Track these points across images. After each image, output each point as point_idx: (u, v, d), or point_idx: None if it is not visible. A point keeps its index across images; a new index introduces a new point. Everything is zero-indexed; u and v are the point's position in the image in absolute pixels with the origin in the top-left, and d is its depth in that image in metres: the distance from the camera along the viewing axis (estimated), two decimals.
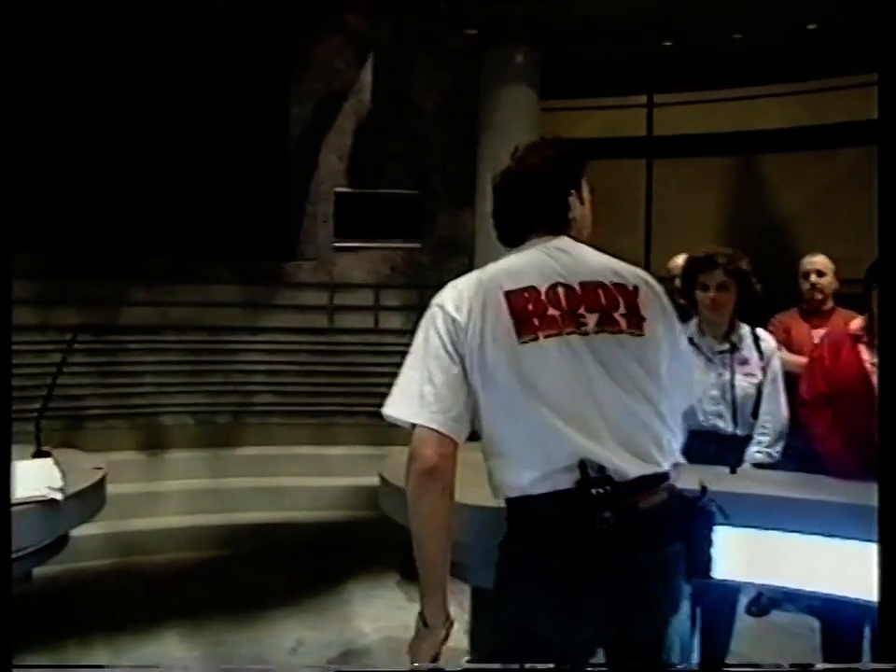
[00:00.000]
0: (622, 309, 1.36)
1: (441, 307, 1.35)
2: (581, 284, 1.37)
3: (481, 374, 1.30)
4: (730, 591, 2.52)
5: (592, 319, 1.34)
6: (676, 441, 1.40)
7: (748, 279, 2.45)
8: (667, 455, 1.35)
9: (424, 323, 1.37)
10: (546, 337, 1.31)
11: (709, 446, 2.44)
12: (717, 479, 2.16)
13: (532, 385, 1.29)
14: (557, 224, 1.46)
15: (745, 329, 2.53)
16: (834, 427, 2.35)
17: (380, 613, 3.37)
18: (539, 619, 1.29)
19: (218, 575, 3.77)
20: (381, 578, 3.73)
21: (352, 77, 4.99)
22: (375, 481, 2.21)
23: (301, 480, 4.53)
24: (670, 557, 1.33)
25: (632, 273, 1.44)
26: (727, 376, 2.39)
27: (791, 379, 2.58)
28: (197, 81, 4.70)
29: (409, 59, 4.99)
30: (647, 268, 5.42)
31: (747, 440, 2.45)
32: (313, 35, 4.88)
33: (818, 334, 2.97)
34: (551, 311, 1.33)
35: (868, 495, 2.07)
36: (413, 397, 1.30)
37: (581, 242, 1.47)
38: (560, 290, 1.36)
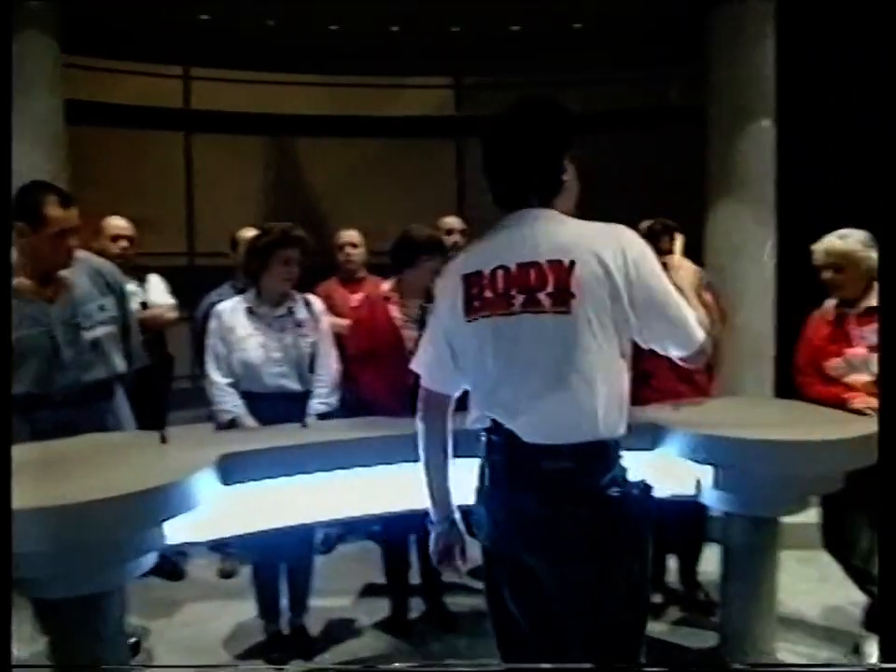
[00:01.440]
0: (549, 288, 1.41)
1: (440, 290, 1.59)
2: (518, 265, 1.45)
3: (453, 342, 1.55)
4: (306, 534, 2.78)
5: (519, 300, 1.44)
6: (608, 415, 1.44)
7: (309, 255, 2.72)
8: (588, 430, 1.42)
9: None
10: (483, 318, 1.48)
11: (278, 405, 2.64)
12: (293, 434, 2.35)
13: (471, 359, 1.52)
14: (550, 191, 1.49)
15: (297, 296, 2.78)
16: (377, 376, 2.77)
17: None
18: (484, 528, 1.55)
19: None
20: None
21: None
22: None
23: None
24: (564, 516, 1.42)
25: (581, 244, 1.42)
26: (287, 339, 2.62)
27: (336, 339, 2.91)
28: None
29: None
30: (190, 241, 5.37)
31: (308, 395, 2.71)
32: None
33: (354, 299, 3.40)
34: (487, 293, 1.47)
35: (408, 426, 2.50)
36: (421, 358, 1.63)
37: (568, 211, 1.51)
38: (499, 273, 1.46)
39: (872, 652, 2.68)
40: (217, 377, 2.66)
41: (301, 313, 2.74)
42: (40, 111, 4.29)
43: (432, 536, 1.66)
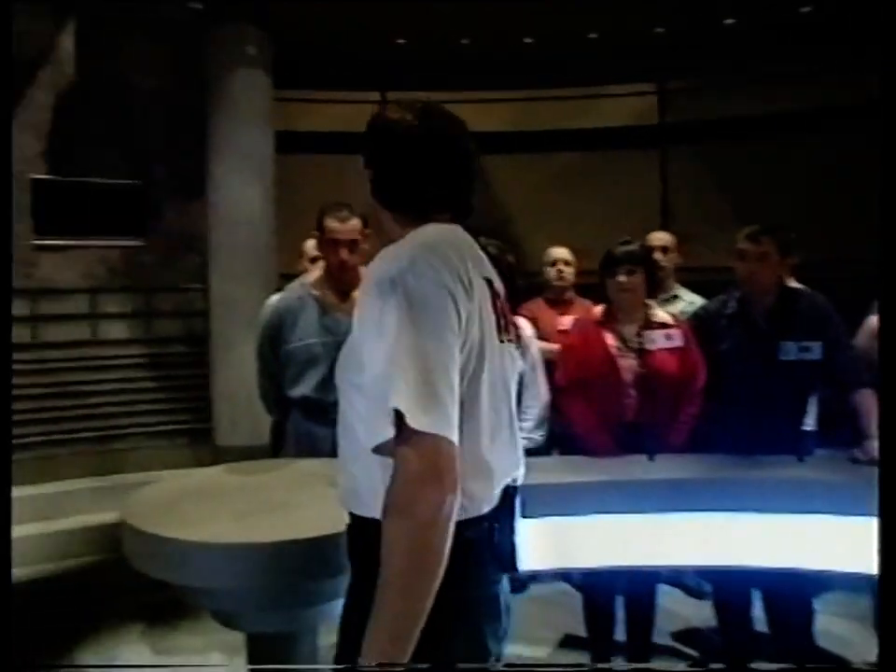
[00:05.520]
0: (511, 321, 1.29)
1: (440, 282, 1.07)
2: (499, 289, 1.26)
3: (475, 372, 1.12)
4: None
5: (511, 331, 1.28)
6: None
7: (513, 273, 2.50)
8: None
9: (418, 301, 1.05)
10: (500, 341, 1.21)
11: None
12: None
13: (496, 389, 1.17)
14: (465, 212, 1.27)
15: None
16: (589, 409, 2.49)
17: None
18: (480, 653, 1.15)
19: None
20: (121, 632, 3.19)
21: (47, 41, 4.21)
22: (103, 518, 1.82)
23: None
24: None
25: None
26: None
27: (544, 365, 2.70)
28: None
29: (120, 27, 4.36)
30: None
31: None
32: None
33: (562, 321, 3.16)
34: (500, 313, 1.22)
35: (624, 470, 2.27)
36: (429, 398, 1.02)
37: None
38: (496, 292, 1.23)
39: None
40: None
41: None
42: (253, 142, 4.54)
43: None
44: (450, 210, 1.24)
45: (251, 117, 4.51)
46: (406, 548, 0.99)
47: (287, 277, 2.92)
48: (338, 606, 1.71)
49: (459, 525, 1.06)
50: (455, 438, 1.03)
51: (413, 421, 1.00)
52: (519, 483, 1.25)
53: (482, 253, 1.25)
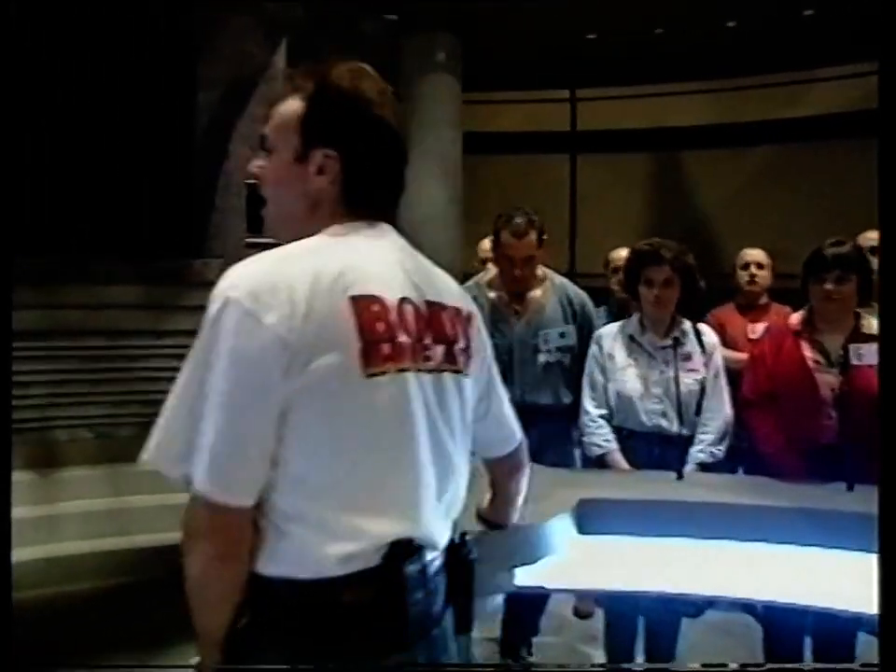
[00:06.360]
0: (461, 342, 1.07)
1: (256, 316, 0.90)
2: (427, 303, 1.04)
3: (300, 412, 0.93)
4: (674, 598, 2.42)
5: (437, 353, 1.03)
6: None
7: (693, 275, 2.36)
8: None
9: (224, 336, 0.91)
10: (397, 372, 0.97)
11: (653, 448, 2.34)
12: (664, 486, 2.10)
13: (360, 436, 0.96)
14: (394, 204, 1.09)
15: (687, 325, 2.44)
16: (779, 428, 2.27)
17: None
18: None
19: (122, 606, 3.40)
20: None
21: (264, 61, 4.67)
22: None
23: None
24: (449, 628, 1.08)
25: (464, 293, 1.15)
26: (670, 373, 2.28)
27: (729, 375, 2.51)
28: (88, 63, 4.27)
29: (325, 44, 4.72)
30: (572, 263, 5.34)
31: (690, 439, 2.35)
32: (219, 14, 4.54)
33: (753, 329, 2.93)
34: (401, 335, 0.99)
35: (814, 497, 2.04)
36: (212, 453, 0.91)
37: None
38: (408, 308, 1.01)
39: None
40: (590, 407, 2.47)
41: (690, 344, 2.38)
42: (442, 145, 4.70)
43: None
44: (382, 206, 1.08)
45: (441, 121, 4.67)
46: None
47: (469, 276, 2.98)
48: (495, 600, 1.73)
49: (294, 587, 0.95)
50: (226, 495, 0.92)
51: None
52: (437, 545, 1.05)
53: (412, 260, 1.07)
